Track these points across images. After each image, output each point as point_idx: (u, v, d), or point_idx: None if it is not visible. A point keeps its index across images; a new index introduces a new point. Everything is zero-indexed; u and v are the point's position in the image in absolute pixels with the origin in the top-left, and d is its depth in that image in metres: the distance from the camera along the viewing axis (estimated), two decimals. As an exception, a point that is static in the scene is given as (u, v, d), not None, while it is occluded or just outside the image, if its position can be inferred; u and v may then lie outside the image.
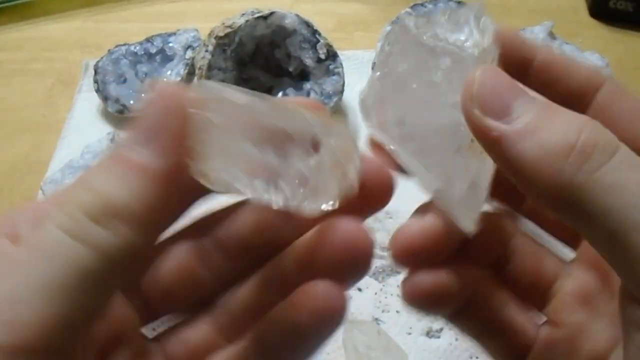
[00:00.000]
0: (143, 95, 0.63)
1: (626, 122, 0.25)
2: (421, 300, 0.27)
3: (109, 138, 0.59)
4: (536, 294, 0.29)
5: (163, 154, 0.22)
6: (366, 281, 0.51)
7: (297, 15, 0.60)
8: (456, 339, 0.47)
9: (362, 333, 0.45)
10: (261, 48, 0.61)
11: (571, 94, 0.26)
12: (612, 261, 0.22)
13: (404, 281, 0.28)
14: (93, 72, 0.65)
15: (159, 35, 0.66)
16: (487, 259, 0.29)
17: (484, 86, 0.23)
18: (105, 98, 0.64)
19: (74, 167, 0.57)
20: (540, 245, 0.30)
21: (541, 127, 0.22)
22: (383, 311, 0.49)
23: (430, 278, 0.27)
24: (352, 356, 0.44)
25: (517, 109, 0.22)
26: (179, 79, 0.62)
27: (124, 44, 0.66)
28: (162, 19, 0.79)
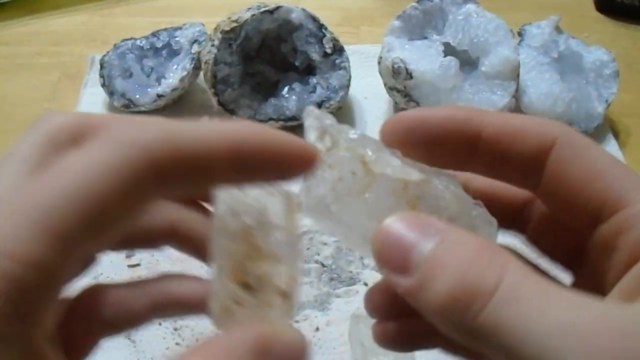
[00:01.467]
0: (149, 89, 0.63)
1: (577, 187, 0.26)
2: (390, 345, 0.30)
3: (115, 132, 0.59)
4: None
5: None
6: (372, 276, 0.51)
7: (304, 10, 0.60)
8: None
9: (368, 327, 0.45)
10: (267, 42, 0.61)
11: (523, 163, 0.27)
12: None
13: (374, 326, 0.30)
14: (99, 67, 0.65)
15: (165, 29, 0.66)
16: None
17: (383, 245, 0.25)
18: (111, 93, 0.64)
19: (80, 162, 0.57)
20: None
21: (432, 279, 0.23)
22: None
23: (395, 326, 0.29)
24: (359, 351, 0.45)
25: (414, 259, 0.24)
26: (185, 73, 0.62)
27: (130, 39, 0.66)
28: (168, 14, 0.79)
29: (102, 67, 0.64)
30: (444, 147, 0.27)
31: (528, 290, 0.22)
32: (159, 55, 0.65)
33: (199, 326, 0.48)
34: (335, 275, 0.51)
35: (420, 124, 0.28)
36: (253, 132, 0.24)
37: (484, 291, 0.22)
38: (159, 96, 0.62)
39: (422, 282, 0.23)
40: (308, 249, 0.52)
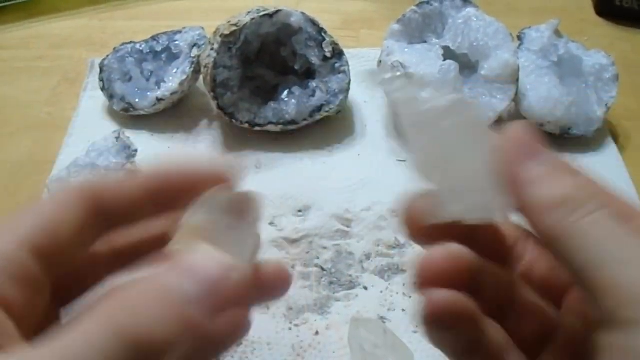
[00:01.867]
0: (148, 93, 0.63)
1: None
2: (438, 316, 0.29)
3: (114, 136, 0.59)
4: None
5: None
6: (372, 280, 0.51)
7: (303, 14, 0.60)
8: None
9: (368, 332, 0.45)
10: (267, 46, 0.61)
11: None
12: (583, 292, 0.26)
13: (424, 303, 0.30)
14: (99, 71, 0.65)
15: (164, 33, 0.66)
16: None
17: (508, 145, 0.28)
18: (110, 96, 0.64)
19: (79, 166, 0.57)
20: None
21: (553, 179, 0.27)
22: (389, 310, 0.49)
23: (449, 295, 0.29)
24: (358, 355, 0.44)
25: (542, 154, 0.28)
26: (184, 77, 0.62)
27: (130, 42, 0.66)
28: (168, 17, 0.79)
29: (101, 70, 0.64)
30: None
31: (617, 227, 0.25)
32: (158, 59, 0.65)
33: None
34: (334, 279, 0.51)
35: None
36: (163, 172, 0.31)
37: (588, 208, 0.26)
38: (159, 100, 0.62)
39: (544, 176, 0.27)
40: (308, 252, 0.52)
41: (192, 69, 0.62)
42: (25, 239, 0.27)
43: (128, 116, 0.64)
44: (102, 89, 0.64)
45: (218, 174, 0.32)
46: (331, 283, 0.51)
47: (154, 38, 0.66)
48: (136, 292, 0.25)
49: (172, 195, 0.30)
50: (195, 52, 0.63)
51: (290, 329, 0.48)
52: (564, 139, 0.60)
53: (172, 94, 0.62)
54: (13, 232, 0.27)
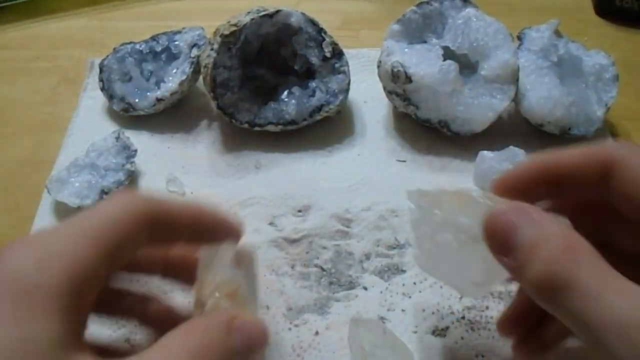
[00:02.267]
0: (148, 93, 0.63)
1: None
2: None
3: (114, 136, 0.59)
4: None
5: None
6: (372, 280, 0.51)
7: (303, 14, 0.60)
8: (462, 338, 0.47)
9: (367, 331, 0.45)
10: (267, 46, 0.61)
11: (592, 185, 0.36)
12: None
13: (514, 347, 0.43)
14: (98, 71, 0.65)
15: (164, 33, 0.66)
16: None
17: (490, 234, 0.34)
18: (110, 96, 0.64)
19: (79, 166, 0.57)
20: None
21: (529, 262, 0.31)
22: (388, 310, 0.49)
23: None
24: (358, 355, 0.44)
25: (516, 243, 0.32)
26: (184, 77, 0.62)
27: (130, 42, 0.66)
28: (167, 17, 0.79)
29: (101, 71, 0.64)
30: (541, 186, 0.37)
31: (593, 285, 0.29)
32: (158, 59, 0.65)
33: (198, 330, 0.48)
34: (334, 279, 0.51)
35: (520, 180, 0.38)
36: (201, 210, 0.40)
37: (563, 283, 0.30)
38: (159, 100, 0.62)
39: (521, 264, 0.32)
40: (307, 252, 0.52)
41: (191, 69, 0.62)
42: (105, 257, 0.33)
43: (128, 116, 0.64)
44: (102, 89, 0.64)
45: (233, 227, 0.41)
46: (331, 283, 0.51)
47: (153, 38, 0.66)
48: (200, 335, 0.33)
49: (199, 230, 0.40)
50: (195, 52, 0.63)
51: (290, 329, 0.48)
52: (563, 139, 0.60)
53: (171, 94, 0.62)
54: (96, 248, 0.33)
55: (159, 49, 0.65)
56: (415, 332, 0.47)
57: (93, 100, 0.67)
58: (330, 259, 0.52)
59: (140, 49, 0.65)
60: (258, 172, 0.59)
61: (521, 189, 0.37)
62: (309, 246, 0.53)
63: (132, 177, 0.58)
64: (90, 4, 0.82)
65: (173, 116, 0.64)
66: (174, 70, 0.63)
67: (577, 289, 0.29)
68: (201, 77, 0.61)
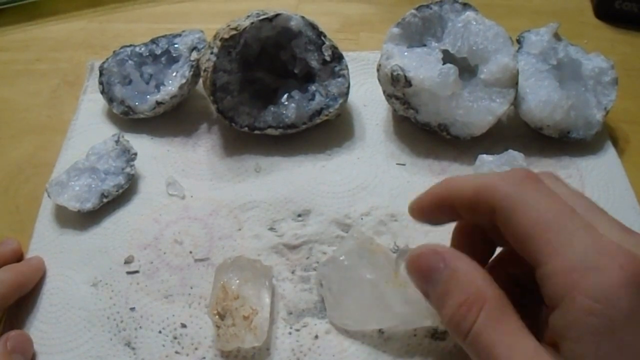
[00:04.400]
0: (148, 96, 0.63)
1: (516, 243, 0.37)
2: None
3: (114, 140, 0.59)
4: None
5: None
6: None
7: (303, 17, 0.60)
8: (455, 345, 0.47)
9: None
10: (266, 50, 0.61)
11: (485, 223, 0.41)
12: None
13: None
14: (98, 74, 0.65)
15: (164, 36, 0.66)
16: None
17: (412, 275, 0.40)
18: (110, 99, 0.64)
19: (79, 169, 0.57)
20: None
21: (442, 304, 0.37)
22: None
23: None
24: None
25: (431, 288, 0.38)
26: (184, 80, 0.62)
27: (129, 45, 0.66)
28: (167, 20, 0.79)
29: (101, 74, 0.64)
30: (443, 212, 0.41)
31: (484, 342, 0.34)
32: (158, 62, 0.65)
33: (198, 335, 0.48)
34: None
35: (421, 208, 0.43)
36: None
37: (464, 329, 0.35)
38: (158, 103, 0.62)
39: (436, 303, 0.38)
40: (307, 258, 0.52)
41: (191, 73, 0.62)
42: None
43: (127, 119, 0.64)
44: (102, 92, 0.64)
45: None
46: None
47: (153, 41, 0.66)
48: None
49: None
50: (194, 55, 0.63)
51: (290, 333, 0.48)
52: (563, 142, 0.60)
53: (171, 97, 0.62)
54: None
55: (158, 52, 0.65)
56: (415, 335, 0.47)
57: (93, 103, 0.67)
58: (330, 263, 0.52)
59: (140, 52, 0.65)
60: (258, 176, 0.59)
61: (427, 213, 0.42)
62: (309, 252, 0.53)
63: (132, 181, 0.58)
64: (89, 6, 0.82)
65: (173, 119, 0.64)
66: (174, 74, 0.63)
67: (473, 343, 0.35)
68: (201, 81, 0.61)
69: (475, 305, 0.35)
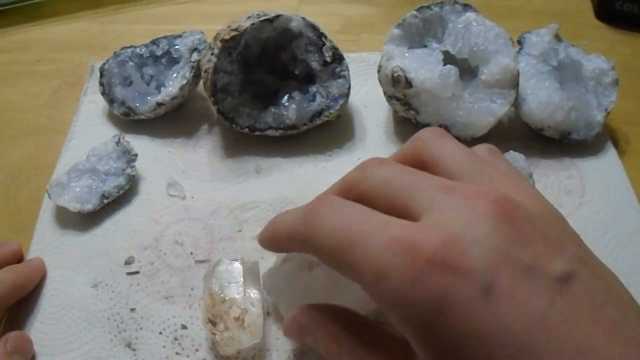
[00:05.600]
0: (149, 97, 0.63)
1: None
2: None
3: (114, 141, 0.59)
4: None
5: None
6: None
7: (303, 18, 0.60)
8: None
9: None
10: (267, 51, 0.61)
11: None
12: None
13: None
14: (99, 75, 0.65)
15: (164, 37, 0.66)
16: None
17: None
18: (111, 101, 0.64)
19: (80, 170, 0.57)
20: None
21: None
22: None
23: None
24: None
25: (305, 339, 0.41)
26: (184, 81, 0.62)
27: (130, 46, 0.66)
28: (167, 21, 0.79)
29: (101, 75, 0.64)
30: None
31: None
32: (158, 63, 0.65)
33: (198, 336, 0.48)
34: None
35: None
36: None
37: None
38: (159, 104, 0.62)
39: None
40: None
41: (192, 74, 0.62)
42: None
43: (128, 120, 0.64)
44: (103, 94, 0.64)
45: None
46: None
47: (154, 42, 0.66)
48: None
49: None
50: (195, 56, 0.63)
51: (290, 334, 0.48)
52: (563, 143, 0.60)
53: (172, 98, 0.62)
54: None
55: (159, 53, 0.65)
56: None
57: (93, 104, 0.67)
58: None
59: (141, 53, 0.65)
60: (258, 177, 0.59)
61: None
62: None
63: (133, 182, 0.58)
64: (90, 7, 0.82)
65: (173, 120, 0.64)
66: (175, 75, 0.63)
67: None
68: (201, 82, 0.61)
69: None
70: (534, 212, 0.32)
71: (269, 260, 0.52)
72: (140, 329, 0.49)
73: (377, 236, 0.31)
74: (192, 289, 0.51)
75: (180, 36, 0.65)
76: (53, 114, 0.68)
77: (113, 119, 0.65)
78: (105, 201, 0.56)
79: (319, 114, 0.60)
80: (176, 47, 0.64)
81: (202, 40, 0.64)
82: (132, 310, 0.50)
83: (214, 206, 0.57)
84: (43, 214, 0.57)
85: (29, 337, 0.48)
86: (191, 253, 0.53)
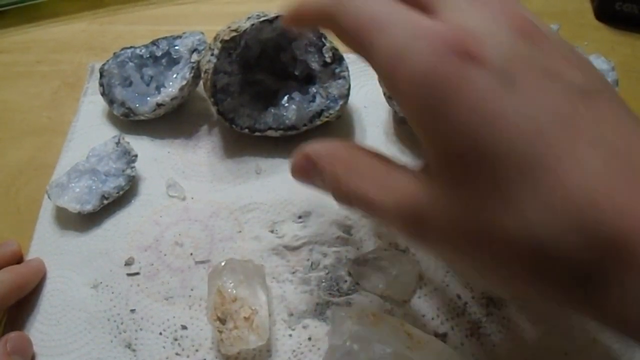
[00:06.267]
0: (148, 98, 0.63)
1: None
2: None
3: (114, 141, 0.59)
4: None
5: None
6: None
7: (303, 19, 0.60)
8: (462, 344, 0.47)
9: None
10: (267, 51, 0.61)
11: None
12: None
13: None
14: (99, 75, 0.65)
15: (164, 38, 0.66)
16: None
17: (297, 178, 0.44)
18: (110, 101, 0.64)
19: (79, 171, 0.57)
20: None
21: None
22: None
23: None
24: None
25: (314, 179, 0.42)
26: (184, 82, 0.62)
27: (130, 47, 0.66)
28: (167, 22, 0.79)
29: (101, 75, 0.64)
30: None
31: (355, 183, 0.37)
32: (158, 64, 0.65)
33: (198, 337, 0.48)
34: (334, 284, 0.51)
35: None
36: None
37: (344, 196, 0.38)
38: (159, 105, 0.62)
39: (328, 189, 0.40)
40: (308, 260, 0.52)
41: (192, 74, 0.62)
42: None
43: (128, 121, 0.64)
44: (102, 94, 0.64)
45: None
46: (331, 288, 0.51)
47: (154, 43, 0.66)
48: None
49: None
50: (195, 57, 0.63)
51: (290, 335, 0.48)
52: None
53: (172, 99, 0.62)
54: None
55: (159, 53, 0.65)
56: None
57: (93, 104, 0.67)
58: (330, 265, 0.52)
59: (141, 53, 0.65)
60: (258, 177, 0.59)
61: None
62: (309, 254, 0.53)
63: (133, 182, 0.58)
64: (90, 8, 0.82)
65: (173, 121, 0.64)
66: (174, 75, 0.63)
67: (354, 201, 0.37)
68: (201, 82, 0.61)
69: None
70: (556, 40, 0.32)
71: (269, 261, 0.52)
72: (140, 329, 0.49)
73: (400, 24, 0.32)
74: (192, 290, 0.51)
75: (180, 37, 0.65)
76: (53, 114, 0.68)
77: (113, 119, 0.65)
78: (105, 202, 0.56)
79: (318, 114, 0.60)
80: (176, 47, 0.64)
81: (202, 41, 0.64)
82: (132, 311, 0.50)
83: (214, 207, 0.57)
84: (43, 215, 0.57)
85: (29, 338, 0.48)
86: (191, 254, 0.53)
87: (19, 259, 0.54)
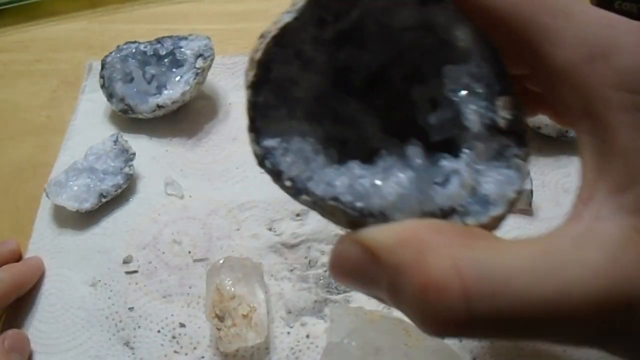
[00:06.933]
0: (149, 98, 0.63)
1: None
2: None
3: (112, 140, 0.59)
4: None
5: None
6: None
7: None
8: (459, 340, 0.47)
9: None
10: (387, 69, 0.31)
11: None
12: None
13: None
14: (97, 73, 0.64)
15: (169, 37, 0.65)
16: None
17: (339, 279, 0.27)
18: (110, 95, 0.63)
19: (78, 170, 0.57)
20: None
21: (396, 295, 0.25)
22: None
23: None
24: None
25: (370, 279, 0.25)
26: (187, 87, 0.61)
27: (134, 42, 0.65)
28: (167, 21, 0.79)
29: (103, 67, 0.64)
30: None
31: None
32: (161, 63, 0.64)
33: (197, 334, 0.48)
34: (332, 282, 0.51)
35: None
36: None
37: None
38: (159, 107, 0.61)
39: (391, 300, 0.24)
40: (306, 257, 0.52)
41: (195, 81, 0.61)
42: None
43: (126, 119, 0.64)
44: (102, 87, 0.64)
45: None
46: (329, 285, 0.51)
47: (158, 41, 0.65)
48: None
49: None
50: (200, 63, 0.62)
51: (288, 332, 0.48)
52: (561, 141, 0.60)
53: (172, 102, 0.61)
54: None
55: (163, 52, 0.64)
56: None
57: (91, 102, 0.67)
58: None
59: (145, 50, 0.64)
60: (256, 176, 0.59)
61: None
62: (307, 251, 0.53)
63: (131, 181, 0.58)
64: (89, 7, 0.82)
65: (172, 120, 0.64)
66: (177, 78, 0.62)
67: None
68: (203, 85, 0.60)
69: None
70: None
71: (267, 259, 0.52)
72: (139, 327, 0.49)
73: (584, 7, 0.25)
74: (190, 288, 0.51)
75: (186, 38, 0.64)
76: (52, 113, 0.68)
77: (111, 117, 0.65)
78: (104, 200, 0.56)
79: (442, 214, 0.26)
80: (181, 49, 0.63)
81: (209, 47, 0.63)
82: (131, 309, 0.50)
83: (212, 205, 0.57)
84: (41, 213, 0.57)
85: (27, 336, 0.48)
86: (189, 252, 0.53)
87: (17, 258, 0.54)
